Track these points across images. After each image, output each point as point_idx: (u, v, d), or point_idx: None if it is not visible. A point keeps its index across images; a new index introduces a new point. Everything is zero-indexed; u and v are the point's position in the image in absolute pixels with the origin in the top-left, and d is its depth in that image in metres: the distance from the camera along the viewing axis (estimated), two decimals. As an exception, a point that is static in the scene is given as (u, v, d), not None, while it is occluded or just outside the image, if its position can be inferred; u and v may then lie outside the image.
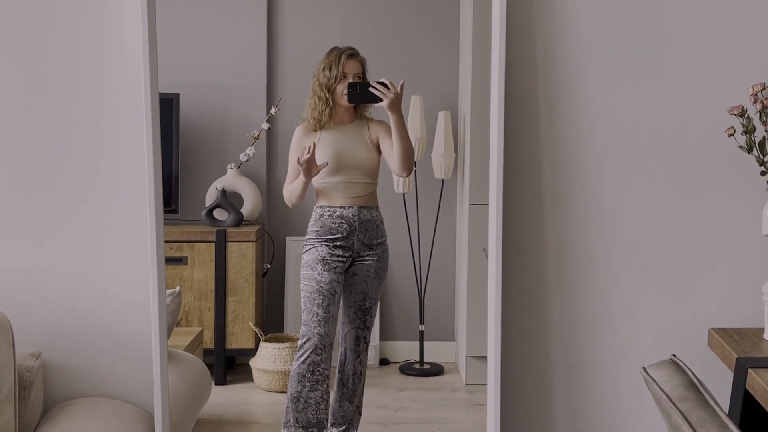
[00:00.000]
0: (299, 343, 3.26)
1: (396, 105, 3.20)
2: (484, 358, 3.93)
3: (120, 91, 2.29)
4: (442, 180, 4.12)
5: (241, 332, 3.87)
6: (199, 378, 2.58)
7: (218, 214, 3.84)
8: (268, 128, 3.77)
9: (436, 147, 4.11)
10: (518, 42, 2.31)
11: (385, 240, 3.42)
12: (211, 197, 3.84)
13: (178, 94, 3.65)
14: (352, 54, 3.33)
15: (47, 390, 2.15)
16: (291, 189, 3.30)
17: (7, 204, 2.19)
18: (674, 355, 1.61)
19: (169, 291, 2.72)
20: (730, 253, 2.36)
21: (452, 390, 3.99)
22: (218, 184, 3.83)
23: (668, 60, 2.34)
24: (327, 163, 3.22)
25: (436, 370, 4.11)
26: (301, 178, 3.24)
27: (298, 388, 3.21)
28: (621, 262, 2.35)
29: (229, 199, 3.82)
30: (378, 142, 3.36)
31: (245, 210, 3.88)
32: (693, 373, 1.57)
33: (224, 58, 3.94)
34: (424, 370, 4.11)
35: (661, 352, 2.27)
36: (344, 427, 3.35)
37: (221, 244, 3.83)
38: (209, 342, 3.77)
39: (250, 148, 3.78)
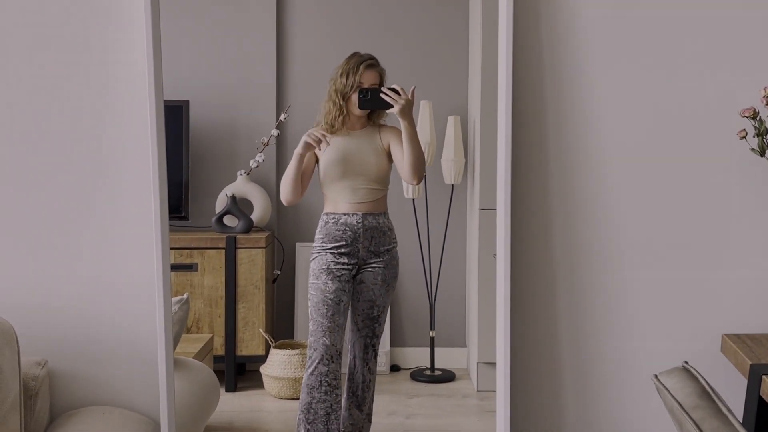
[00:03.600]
0: (308, 353, 3.24)
1: (407, 111, 3.17)
2: (496, 364, 3.93)
3: (125, 100, 2.27)
4: (452, 185, 4.10)
5: (251, 339, 3.86)
6: (208, 385, 2.56)
7: (228, 220, 3.83)
8: (278, 134, 3.76)
9: (446, 152, 4.09)
10: (525, 47, 2.28)
11: (394, 247, 3.37)
12: (221, 204, 3.84)
13: (188, 101, 3.65)
14: (371, 64, 3.29)
15: (53, 398, 2.13)
16: (285, 176, 3.26)
17: (12, 213, 2.18)
18: (686, 362, 1.59)
19: (177, 298, 2.71)
20: (744, 258, 2.32)
21: (463, 396, 3.96)
22: (228, 190, 3.82)
23: (679, 63, 2.31)
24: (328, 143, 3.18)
25: (448, 377, 4.09)
26: (298, 150, 3.19)
27: (308, 399, 3.18)
28: (632, 268, 2.32)
29: (239, 206, 3.81)
30: (389, 149, 3.33)
31: (255, 216, 3.87)
32: (705, 381, 1.54)
33: (234, 65, 3.94)
34: (435, 376, 4.09)
35: (673, 358, 2.23)
36: None
37: (231, 251, 3.82)
38: (219, 348, 3.76)
39: (259, 154, 3.77)
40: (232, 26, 3.91)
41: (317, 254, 3.27)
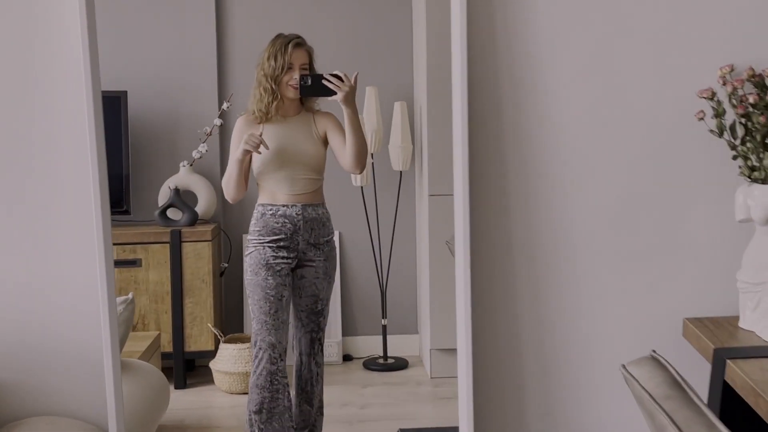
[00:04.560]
0: (253, 353, 3.12)
1: (350, 99, 3.03)
2: (449, 350, 3.91)
3: (58, 88, 2.15)
4: (401, 172, 4.06)
5: (199, 334, 3.79)
6: (157, 387, 2.47)
7: (172, 213, 3.74)
8: (221, 124, 3.67)
9: (393, 138, 4.04)
10: (479, 29, 2.21)
11: (332, 238, 3.25)
12: (163, 197, 3.74)
13: (126, 92, 3.54)
14: (299, 43, 3.15)
15: (-6, 410, 2.02)
16: (227, 177, 3.10)
17: None
18: (654, 351, 1.56)
19: (121, 298, 2.61)
20: (703, 240, 2.29)
21: (418, 384, 3.94)
22: (171, 182, 3.72)
23: (635, 43, 2.26)
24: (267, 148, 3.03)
25: (401, 365, 4.07)
26: (237, 156, 3.03)
27: (259, 399, 3.08)
28: (591, 252, 2.26)
29: (183, 198, 3.72)
30: (325, 136, 3.20)
31: (200, 208, 3.78)
32: (675, 370, 1.51)
33: (173, 54, 3.84)
34: (389, 364, 4.06)
35: (634, 343, 2.19)
36: (307, 430, 3.25)
37: (176, 245, 3.73)
38: (167, 345, 3.68)
39: (202, 144, 3.68)
40: (171, 14, 3.81)
41: (254, 248, 3.12)
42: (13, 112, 2.08)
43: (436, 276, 3.93)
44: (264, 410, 3.06)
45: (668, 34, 2.25)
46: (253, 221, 3.15)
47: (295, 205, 3.10)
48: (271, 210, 3.11)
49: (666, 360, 1.51)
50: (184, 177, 3.74)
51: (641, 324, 2.23)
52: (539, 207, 2.21)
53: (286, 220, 3.10)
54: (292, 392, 3.22)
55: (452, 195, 3.67)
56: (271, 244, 3.09)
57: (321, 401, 3.26)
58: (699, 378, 1.87)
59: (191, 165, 3.74)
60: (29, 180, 2.11)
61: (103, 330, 1.96)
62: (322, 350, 3.24)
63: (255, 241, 3.11)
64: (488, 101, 2.21)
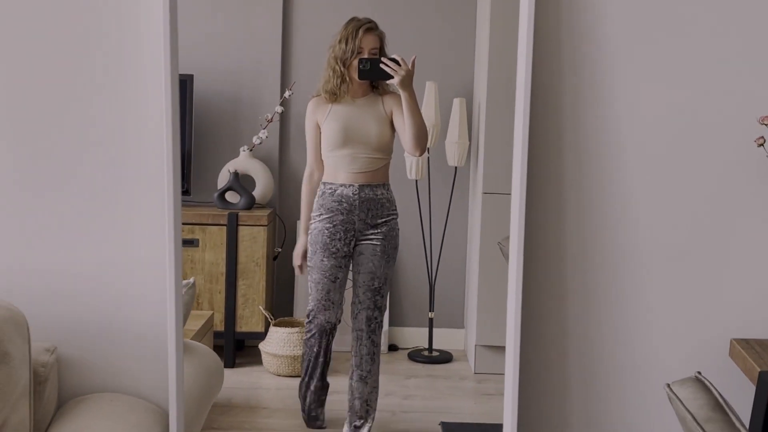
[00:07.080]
0: (306, 324, 3.28)
1: (407, 82, 3.15)
2: (494, 347, 3.95)
3: (134, 74, 2.20)
4: (456, 167, 4.09)
5: (251, 316, 3.86)
6: (213, 370, 2.55)
7: (230, 196, 3.82)
8: (282, 111, 3.74)
9: (450, 134, 4.07)
10: (544, 39, 2.24)
11: (393, 218, 3.38)
12: (223, 179, 3.82)
13: (192, 75, 3.62)
14: (370, 27, 3.28)
15: (62, 384, 2.11)
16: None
17: (21, 198, 2.10)
18: (699, 373, 1.59)
19: (183, 282, 2.69)
20: (757, 263, 2.30)
21: (461, 378, 3.98)
22: (231, 166, 3.80)
23: (700, 64, 2.26)
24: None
25: (445, 358, 4.11)
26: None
27: (304, 366, 3.25)
28: (642, 269, 2.27)
29: (242, 182, 3.80)
30: (392, 116, 3.32)
31: (257, 193, 3.85)
32: (719, 393, 1.54)
33: (239, 40, 3.90)
34: (433, 357, 4.10)
35: (680, 360, 2.22)
36: (361, 403, 3.31)
37: (233, 228, 3.81)
38: (219, 325, 3.77)
39: (263, 131, 3.75)
40: (238, 0, 3.88)
41: (314, 227, 3.30)
42: (92, 105, 2.13)
43: (486, 273, 3.96)
44: (305, 380, 3.21)
45: (735, 59, 2.25)
46: (316, 198, 3.29)
47: (353, 185, 3.23)
48: (330, 188, 3.25)
49: (710, 382, 1.54)
50: (243, 161, 3.82)
51: (689, 341, 2.24)
52: (593, 219, 2.23)
53: (343, 200, 3.23)
54: (351, 371, 3.32)
55: (506, 194, 3.70)
56: (327, 225, 3.22)
57: (376, 381, 3.35)
58: (743, 399, 1.89)
59: (251, 150, 3.81)
60: (106, 169, 2.17)
61: (168, 313, 2.03)
62: (379, 330, 3.34)
63: (316, 217, 3.26)
64: (548, 110, 2.24)
